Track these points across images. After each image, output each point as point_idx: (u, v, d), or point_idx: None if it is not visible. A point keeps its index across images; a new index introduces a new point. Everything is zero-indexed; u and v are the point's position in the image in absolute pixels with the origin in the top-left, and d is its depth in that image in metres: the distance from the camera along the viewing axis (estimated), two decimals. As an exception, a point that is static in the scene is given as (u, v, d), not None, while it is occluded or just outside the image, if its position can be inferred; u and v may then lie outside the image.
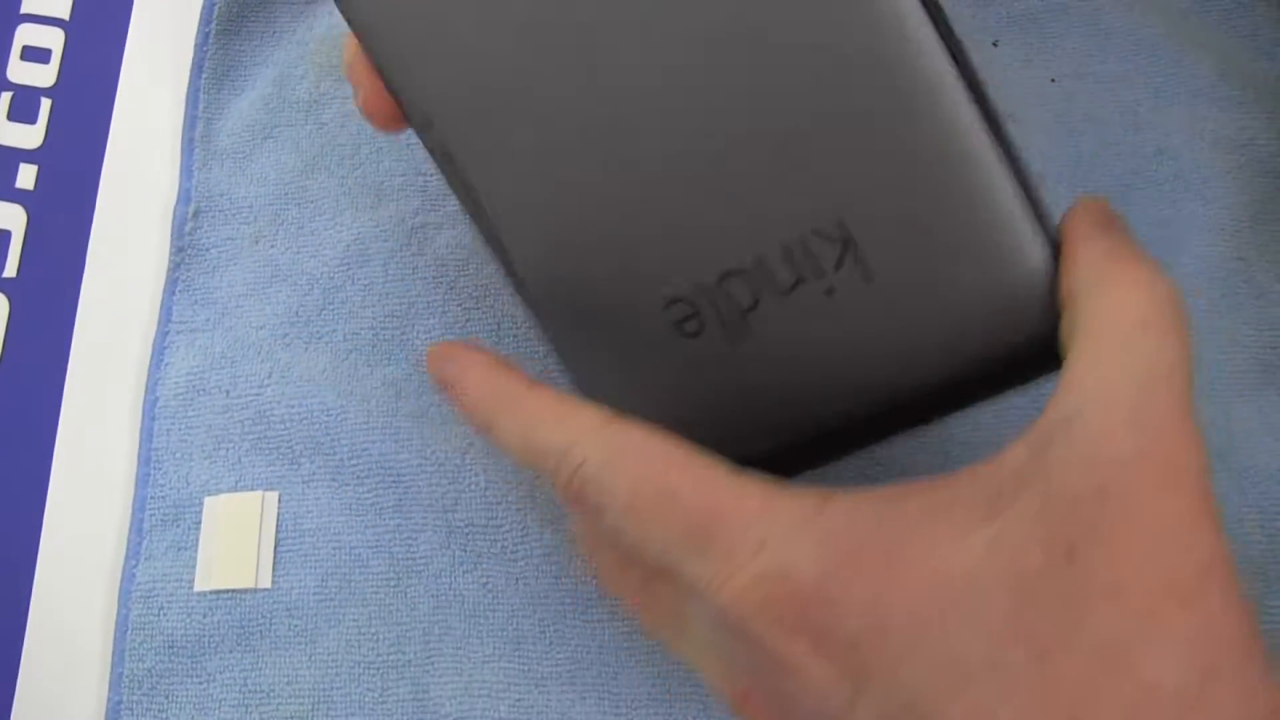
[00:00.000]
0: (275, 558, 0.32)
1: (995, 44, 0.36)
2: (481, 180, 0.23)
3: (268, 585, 0.32)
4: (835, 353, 0.22)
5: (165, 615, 0.32)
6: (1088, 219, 0.21)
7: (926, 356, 0.22)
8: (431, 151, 0.23)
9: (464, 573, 0.31)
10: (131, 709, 0.31)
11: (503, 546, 0.31)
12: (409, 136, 0.25)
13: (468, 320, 0.34)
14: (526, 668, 0.30)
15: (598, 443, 0.20)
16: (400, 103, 0.23)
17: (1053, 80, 0.36)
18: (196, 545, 0.32)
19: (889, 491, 0.19)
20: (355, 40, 0.24)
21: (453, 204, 0.35)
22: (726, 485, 0.20)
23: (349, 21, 0.23)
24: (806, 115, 0.21)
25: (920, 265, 0.21)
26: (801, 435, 0.22)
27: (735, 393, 0.22)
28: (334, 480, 0.33)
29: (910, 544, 0.18)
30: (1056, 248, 0.22)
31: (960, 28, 0.35)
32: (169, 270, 0.35)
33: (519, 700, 0.30)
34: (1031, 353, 0.21)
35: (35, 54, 0.38)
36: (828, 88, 0.21)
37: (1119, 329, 0.19)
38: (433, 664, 0.31)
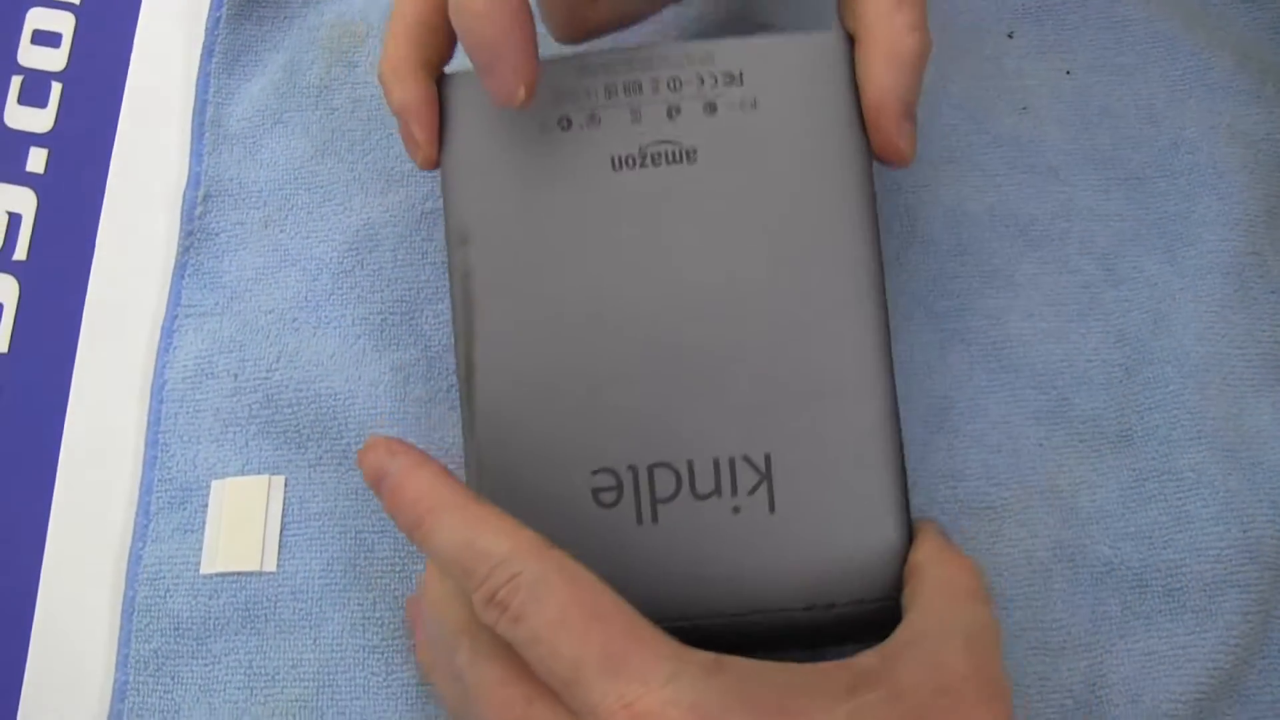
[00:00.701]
0: (281, 541, 0.32)
1: (1010, 35, 0.36)
2: (484, 304, 0.27)
3: (273, 569, 0.32)
4: (721, 563, 0.26)
5: (171, 597, 0.32)
6: (931, 525, 0.27)
7: (798, 590, 0.26)
8: (452, 266, 0.27)
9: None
10: (138, 689, 0.31)
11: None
12: None
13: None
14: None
15: (538, 560, 0.22)
16: (449, 210, 0.28)
17: (1068, 72, 0.36)
18: (203, 528, 0.32)
19: (771, 665, 0.22)
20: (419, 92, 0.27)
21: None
22: (646, 625, 0.22)
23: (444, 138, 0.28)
24: (767, 366, 0.26)
25: (815, 515, 0.26)
26: (677, 622, 0.24)
27: (626, 566, 0.25)
28: (341, 464, 0.33)
29: (793, 703, 0.21)
30: (910, 530, 0.27)
31: (976, 18, 0.36)
32: (178, 254, 0.35)
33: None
34: (877, 608, 0.26)
35: (46, 38, 0.38)
36: (792, 353, 0.26)
37: (954, 595, 0.25)
38: (437, 650, 0.31)
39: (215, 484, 0.33)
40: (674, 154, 0.27)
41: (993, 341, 0.33)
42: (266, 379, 0.34)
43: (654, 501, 0.26)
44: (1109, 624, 0.30)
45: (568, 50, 0.29)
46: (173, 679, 0.31)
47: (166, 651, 0.31)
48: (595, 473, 0.26)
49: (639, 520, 0.26)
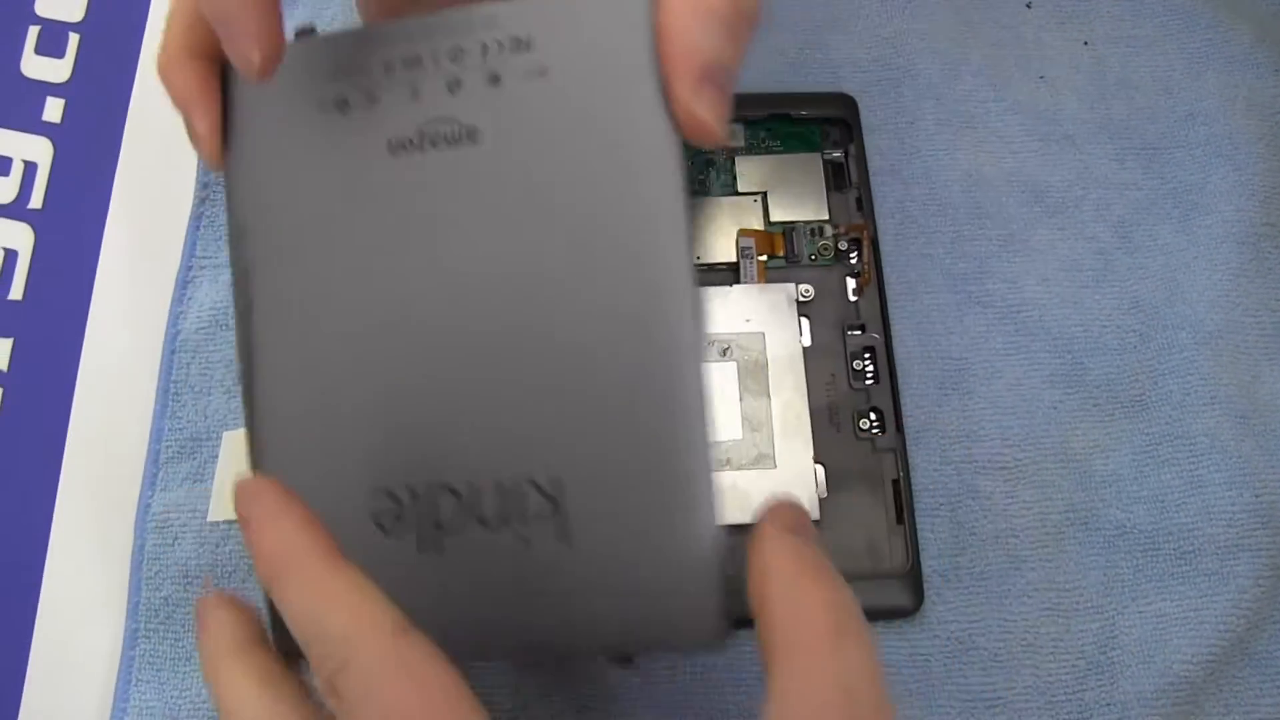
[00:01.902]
0: (292, 492, 0.32)
1: (1029, 5, 0.36)
2: (262, 304, 0.24)
3: (284, 518, 0.32)
4: (512, 601, 0.23)
5: (180, 545, 0.32)
6: (779, 522, 0.21)
7: (600, 634, 0.22)
8: (232, 261, 0.24)
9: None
10: (149, 637, 0.31)
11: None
12: None
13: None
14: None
15: (376, 645, 0.19)
16: (228, 203, 0.24)
17: (1086, 43, 0.36)
18: (212, 478, 0.32)
19: None
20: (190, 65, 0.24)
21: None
22: None
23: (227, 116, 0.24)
24: (559, 374, 0.22)
25: (615, 548, 0.22)
26: (470, 661, 0.22)
27: (411, 599, 0.21)
28: (353, 418, 0.32)
29: None
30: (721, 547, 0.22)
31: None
32: (193, 205, 0.35)
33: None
34: (697, 633, 0.22)
35: (65, -11, 0.38)
36: (585, 356, 0.22)
37: (819, 638, 0.20)
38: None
39: (226, 435, 0.33)
40: (454, 134, 0.23)
41: (1009, 305, 0.33)
42: (280, 331, 0.33)
43: (437, 529, 0.23)
44: (1121, 586, 0.30)
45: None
46: (183, 627, 0.31)
47: (177, 599, 0.31)
48: (374, 493, 0.23)
49: (422, 549, 0.23)
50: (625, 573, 0.22)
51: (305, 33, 0.24)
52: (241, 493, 0.22)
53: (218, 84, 0.24)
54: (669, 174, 0.22)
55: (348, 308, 0.23)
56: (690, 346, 0.22)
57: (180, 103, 0.24)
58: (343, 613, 0.19)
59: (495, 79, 0.23)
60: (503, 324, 0.22)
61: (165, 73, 0.24)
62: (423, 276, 0.23)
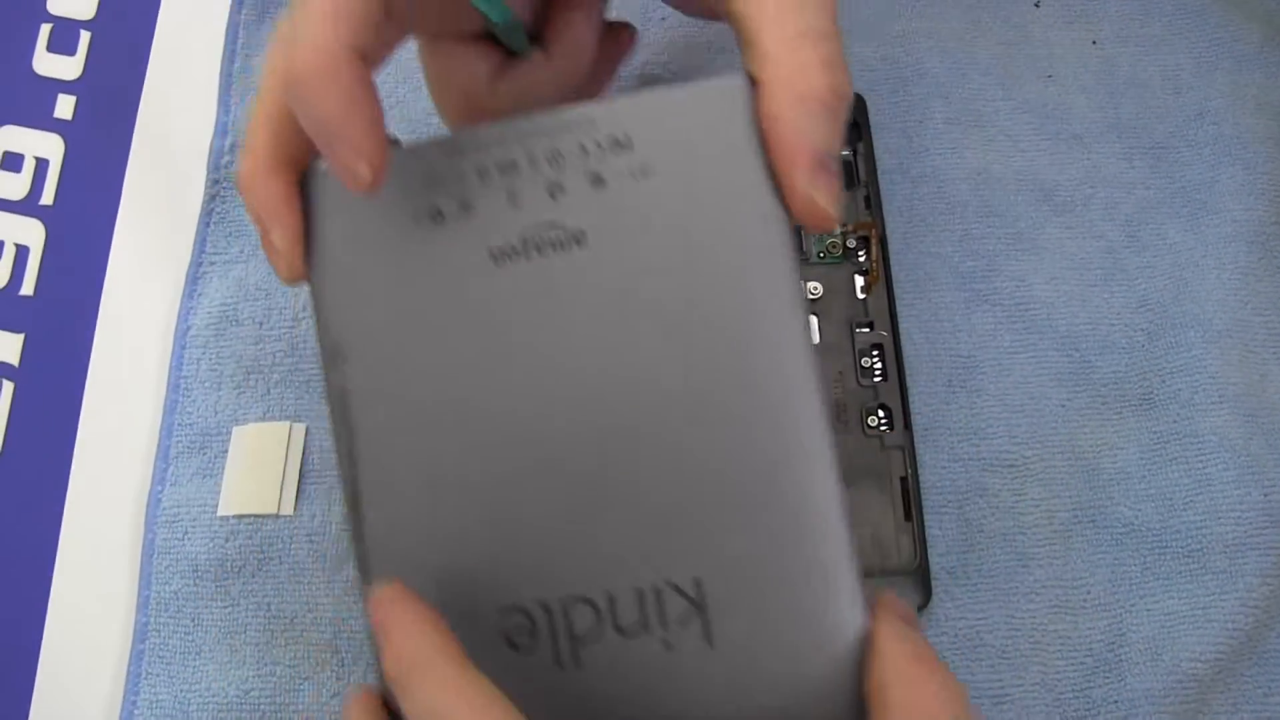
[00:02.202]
0: (299, 488, 0.32)
1: (1037, 4, 0.36)
2: (365, 427, 0.23)
3: (290, 513, 0.32)
4: (656, 709, 0.22)
5: (190, 539, 0.32)
6: (893, 616, 0.22)
7: None
8: (328, 384, 0.23)
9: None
10: (159, 630, 0.31)
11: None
12: None
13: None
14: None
15: None
16: (318, 323, 0.24)
17: (1094, 42, 0.36)
18: (222, 473, 0.32)
19: None
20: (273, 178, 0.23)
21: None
22: None
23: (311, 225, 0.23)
24: (689, 474, 0.22)
25: (760, 646, 0.22)
26: None
27: (544, 711, 0.22)
28: (362, 413, 0.33)
29: None
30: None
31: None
32: (204, 202, 0.35)
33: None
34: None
35: (77, -13, 0.38)
36: (714, 454, 0.22)
37: None
38: (455, 599, 0.31)
39: (236, 430, 0.33)
40: (561, 239, 0.23)
41: (1017, 303, 0.33)
42: (292, 328, 0.34)
43: (574, 641, 0.22)
44: (1129, 584, 0.30)
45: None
46: (193, 621, 0.31)
47: (186, 593, 0.31)
48: (503, 612, 0.22)
49: (559, 664, 0.22)
50: (767, 668, 0.22)
51: (391, 144, 0.23)
52: (377, 600, 0.22)
53: (296, 194, 0.23)
54: (783, 262, 0.22)
55: (460, 423, 0.23)
56: (820, 435, 0.22)
57: (261, 215, 0.23)
58: (469, 710, 0.20)
59: (598, 180, 0.23)
60: (625, 428, 0.22)
61: (248, 184, 0.23)
62: (538, 385, 0.23)
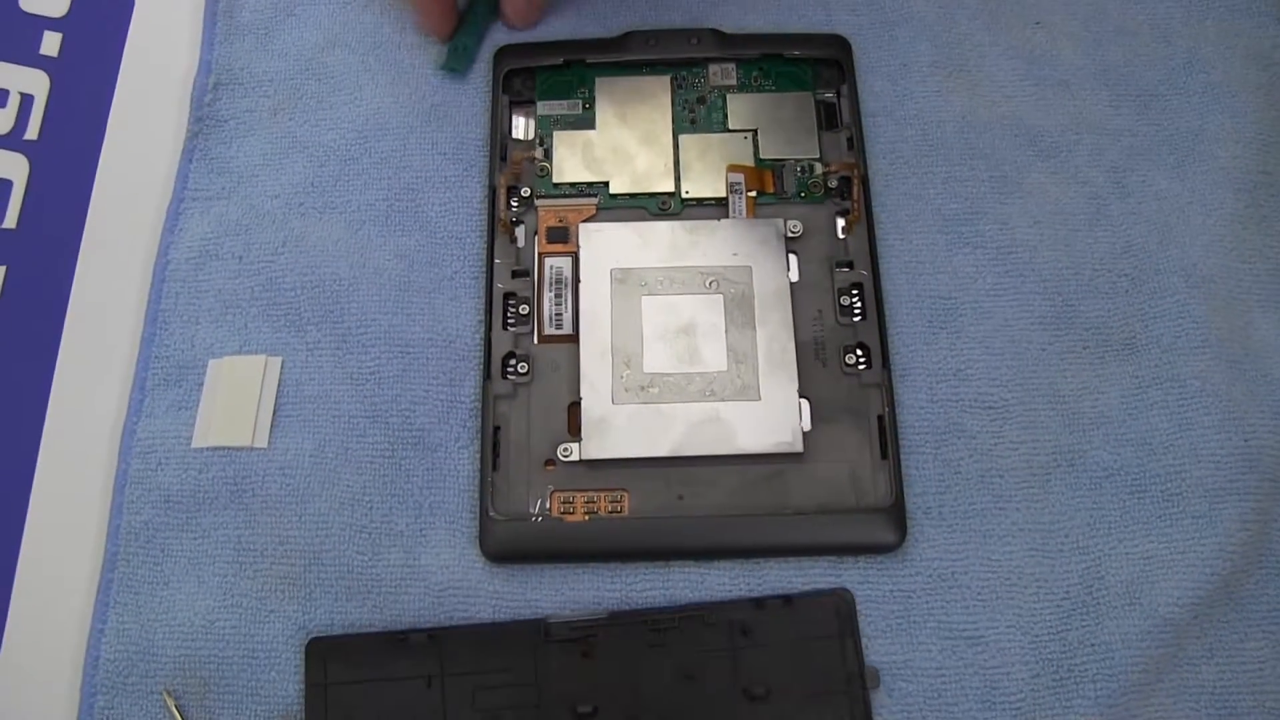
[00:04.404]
0: (274, 420, 0.32)
1: (1027, -47, 0.36)
2: None
3: (264, 445, 0.32)
4: None
5: (163, 470, 0.32)
6: None
7: None
8: None
9: (460, 448, 0.31)
10: (128, 560, 0.31)
11: (504, 419, 0.31)
12: None
13: (484, 194, 0.34)
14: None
15: None
16: None
17: (1084, -9, 0.36)
18: (197, 405, 0.32)
19: None
20: None
21: (474, 85, 0.35)
22: None
23: None
24: None
25: None
26: None
27: None
28: (339, 349, 0.32)
29: None
30: None
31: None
32: (187, 139, 0.35)
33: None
34: None
35: (67, -73, 0.38)
36: None
37: None
38: (425, 536, 0.30)
39: (212, 362, 0.33)
40: None
41: (1000, 246, 0.32)
42: (271, 262, 0.33)
43: None
44: (1107, 527, 0.30)
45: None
46: (162, 551, 0.31)
47: (157, 524, 0.31)
48: None
49: None
50: None
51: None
52: None
53: None
54: None
55: None
56: None
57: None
58: None
59: None
60: None
61: None
62: None
